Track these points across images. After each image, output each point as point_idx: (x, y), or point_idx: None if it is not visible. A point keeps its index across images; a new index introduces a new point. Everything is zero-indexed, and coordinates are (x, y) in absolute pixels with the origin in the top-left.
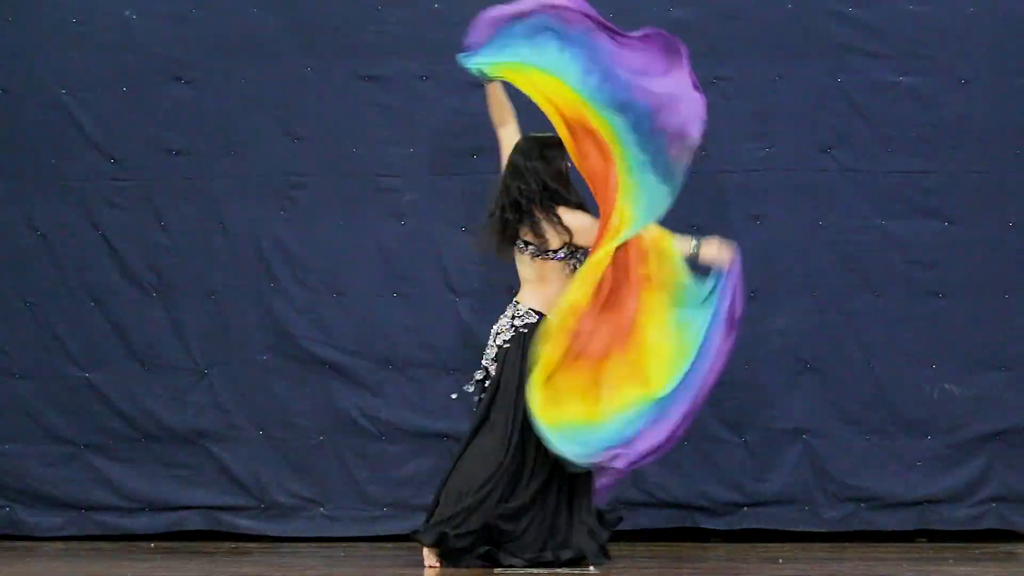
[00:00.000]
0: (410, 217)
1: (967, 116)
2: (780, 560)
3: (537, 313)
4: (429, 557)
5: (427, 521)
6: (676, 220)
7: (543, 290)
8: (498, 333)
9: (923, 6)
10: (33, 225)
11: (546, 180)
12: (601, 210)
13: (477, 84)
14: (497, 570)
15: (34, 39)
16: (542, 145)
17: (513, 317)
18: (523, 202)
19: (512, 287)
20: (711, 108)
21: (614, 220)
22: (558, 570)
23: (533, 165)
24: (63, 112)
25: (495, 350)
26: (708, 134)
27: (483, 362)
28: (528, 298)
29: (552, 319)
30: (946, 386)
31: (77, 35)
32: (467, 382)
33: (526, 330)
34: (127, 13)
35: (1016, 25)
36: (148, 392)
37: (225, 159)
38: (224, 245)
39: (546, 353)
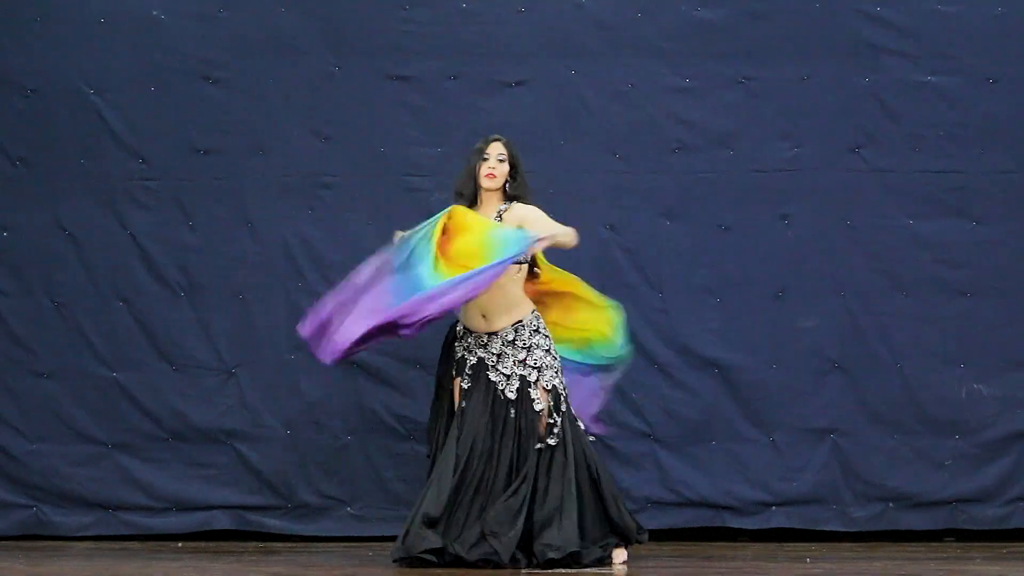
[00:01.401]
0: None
1: (995, 116)
2: (808, 560)
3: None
4: None
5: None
6: (705, 221)
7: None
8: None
9: (951, 6)
10: (61, 225)
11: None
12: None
13: (505, 84)
14: (524, 571)
15: (62, 39)
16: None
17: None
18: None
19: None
20: (738, 107)
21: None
22: (586, 570)
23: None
24: (91, 112)
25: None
26: (736, 134)
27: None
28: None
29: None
30: (974, 386)
31: (105, 35)
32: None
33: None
34: (155, 13)
35: None
36: (176, 392)
37: (253, 159)
38: (252, 245)
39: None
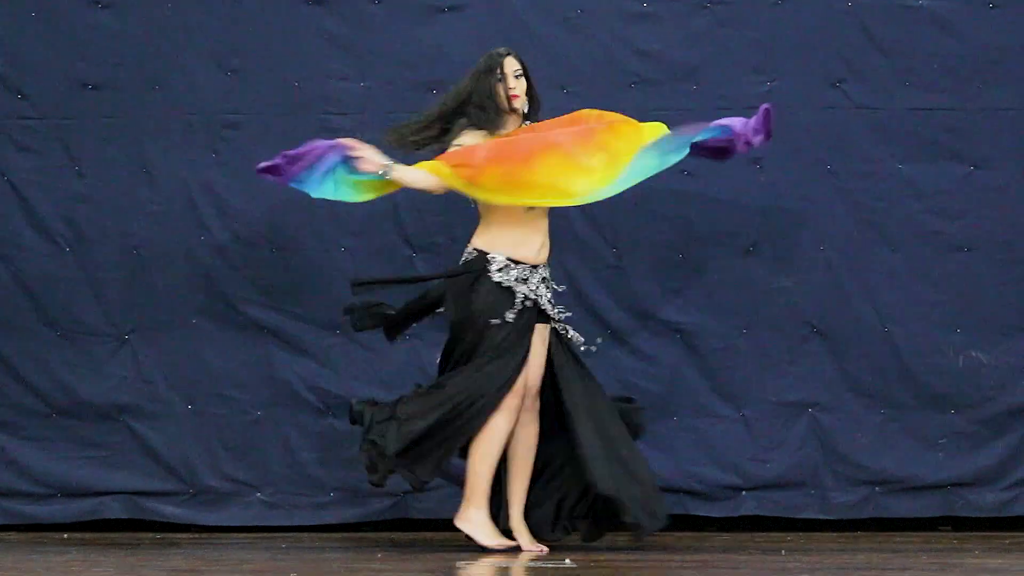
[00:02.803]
0: None
1: (996, 45)
2: (784, 552)
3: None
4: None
5: None
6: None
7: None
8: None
9: None
10: None
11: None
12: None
13: (437, 9)
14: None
15: None
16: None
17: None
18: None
19: None
20: (704, 36)
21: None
22: (533, 564)
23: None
24: None
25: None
26: (701, 66)
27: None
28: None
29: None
30: (973, 353)
31: None
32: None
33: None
34: None
35: None
36: (61, 361)
37: (149, 95)
38: (148, 193)
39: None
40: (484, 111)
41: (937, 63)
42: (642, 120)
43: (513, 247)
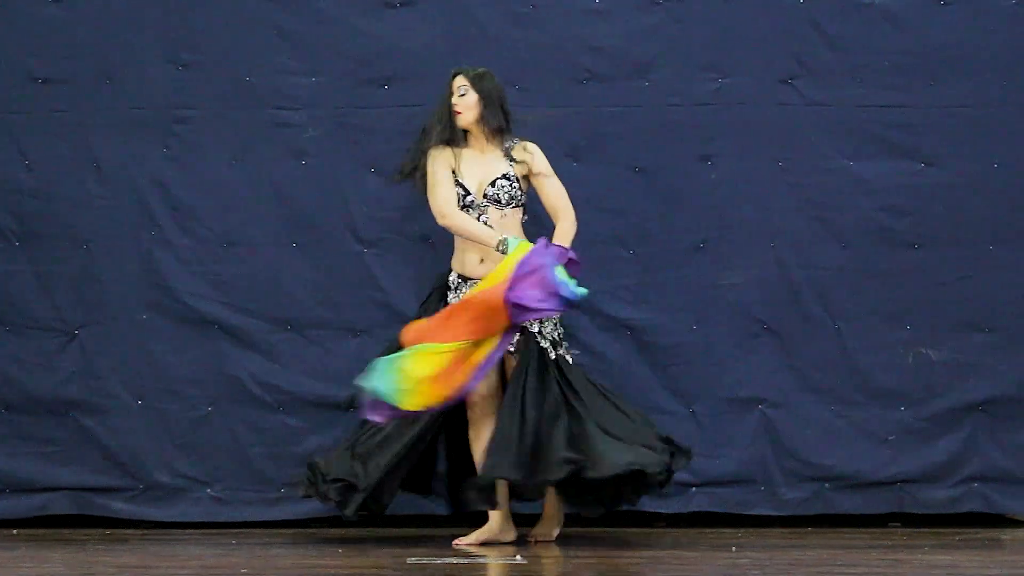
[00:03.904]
0: (312, 156)
1: (947, 43)
2: (734, 548)
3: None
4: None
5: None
6: (617, 162)
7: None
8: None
9: None
10: None
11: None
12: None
13: (388, 5)
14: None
15: None
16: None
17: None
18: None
19: (429, 237)
20: (656, 32)
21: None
22: (483, 560)
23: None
24: None
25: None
26: (653, 63)
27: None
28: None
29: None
30: (922, 350)
31: None
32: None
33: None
34: None
35: None
36: (8, 356)
37: (99, 89)
38: (98, 187)
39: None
40: (440, 126)
41: (888, 60)
42: (595, 118)
43: (461, 265)
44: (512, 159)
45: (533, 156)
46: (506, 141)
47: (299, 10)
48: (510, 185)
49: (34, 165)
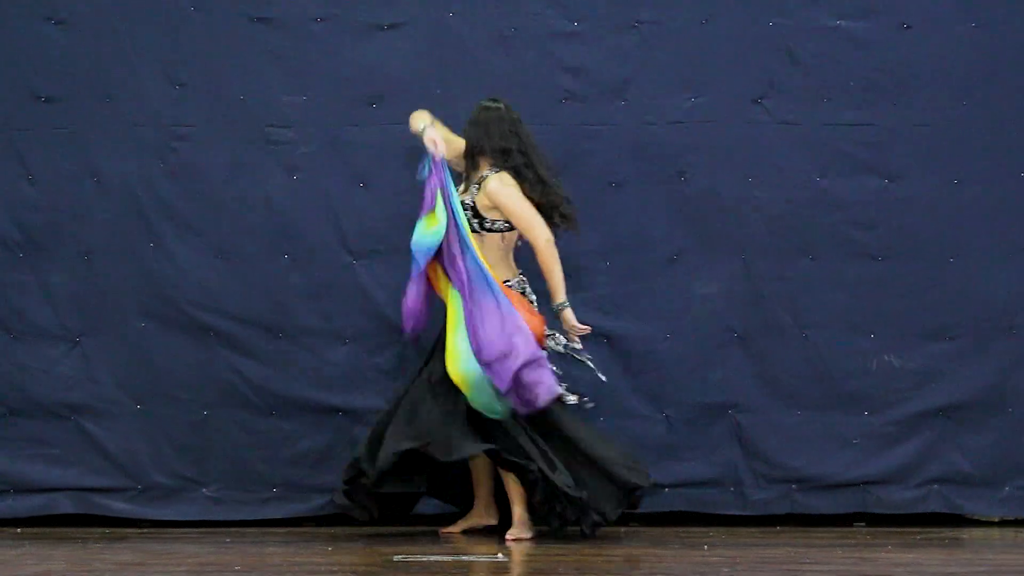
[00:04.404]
0: (303, 171)
1: (910, 64)
2: (706, 547)
3: None
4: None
5: None
6: (594, 177)
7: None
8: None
9: None
10: None
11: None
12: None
13: (377, 27)
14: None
15: None
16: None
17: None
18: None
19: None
20: (632, 53)
21: None
22: (466, 557)
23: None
24: None
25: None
26: (629, 82)
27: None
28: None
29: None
30: (886, 357)
31: None
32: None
33: None
34: None
35: None
36: (14, 362)
37: (101, 107)
38: (99, 201)
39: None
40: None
41: (853, 81)
42: (573, 136)
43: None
44: (478, 187)
45: (488, 191)
46: (492, 169)
47: (291, 33)
48: (471, 212)
49: (37, 179)
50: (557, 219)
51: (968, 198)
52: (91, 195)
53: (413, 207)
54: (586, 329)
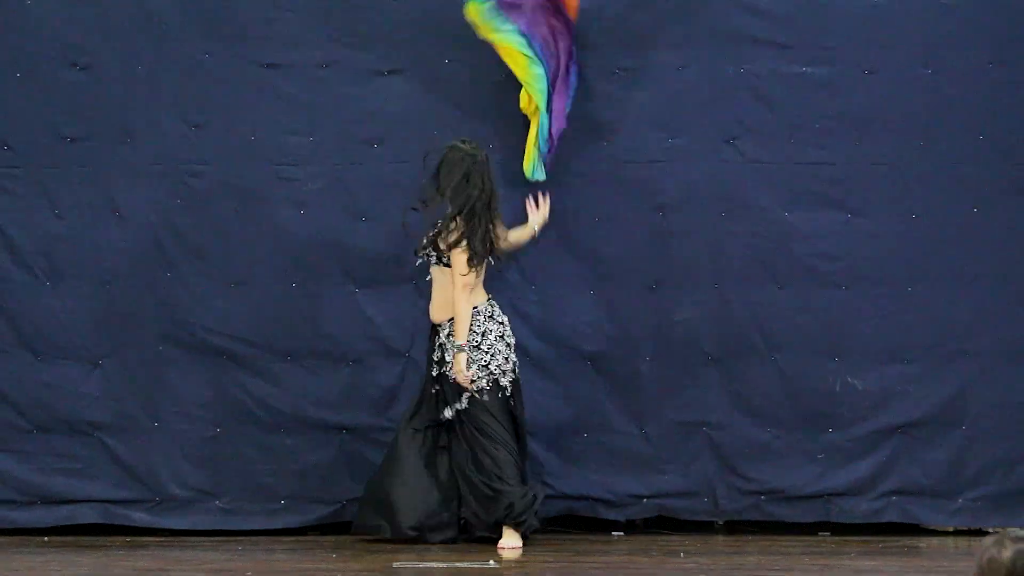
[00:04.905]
0: (310, 206)
1: (871, 107)
2: (682, 554)
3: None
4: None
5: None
6: (580, 211)
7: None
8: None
9: None
10: None
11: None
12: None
13: (378, 73)
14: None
15: None
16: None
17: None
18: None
19: (413, 279)
20: (614, 99)
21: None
22: (460, 564)
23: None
24: None
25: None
26: (610, 124)
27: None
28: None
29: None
30: (848, 379)
31: None
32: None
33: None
34: None
35: (919, 16)
36: (40, 382)
37: (121, 146)
38: (119, 233)
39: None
40: None
41: (819, 123)
42: (560, 176)
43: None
44: (446, 231)
45: (448, 244)
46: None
47: (298, 77)
48: (432, 247)
49: (63, 213)
50: (496, 264)
51: (925, 231)
52: (112, 227)
53: (411, 240)
54: (469, 379)
